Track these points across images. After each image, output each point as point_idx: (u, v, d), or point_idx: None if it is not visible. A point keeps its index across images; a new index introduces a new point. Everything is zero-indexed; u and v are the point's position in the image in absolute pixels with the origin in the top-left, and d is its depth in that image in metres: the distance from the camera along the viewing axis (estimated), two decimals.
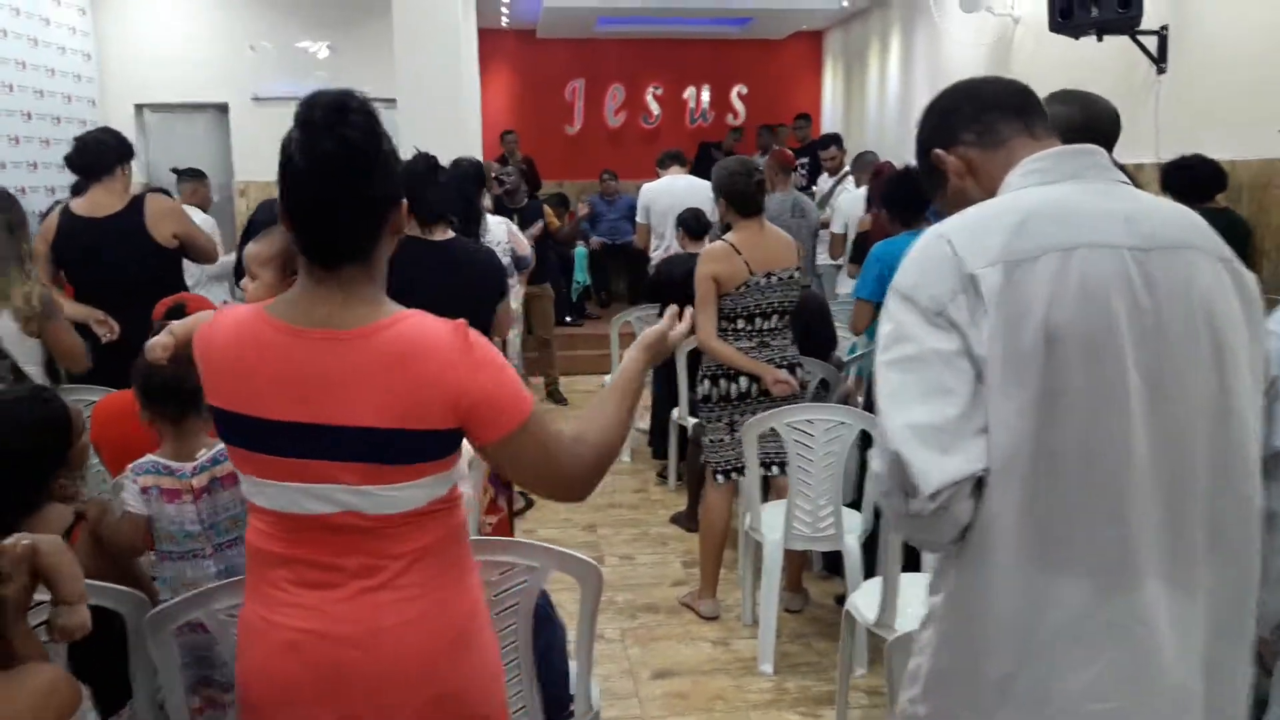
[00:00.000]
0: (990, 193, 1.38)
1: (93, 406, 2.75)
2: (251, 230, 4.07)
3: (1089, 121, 2.52)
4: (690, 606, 3.74)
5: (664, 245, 5.83)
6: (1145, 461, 1.23)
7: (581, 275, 8.98)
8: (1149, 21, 5.09)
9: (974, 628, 1.30)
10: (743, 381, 3.57)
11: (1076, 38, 5.25)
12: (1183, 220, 1.32)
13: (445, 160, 3.30)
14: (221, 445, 2.07)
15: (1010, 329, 1.23)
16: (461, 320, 1.42)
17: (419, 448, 1.41)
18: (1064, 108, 2.47)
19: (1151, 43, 5.36)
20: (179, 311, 2.64)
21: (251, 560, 1.54)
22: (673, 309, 1.73)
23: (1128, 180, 1.37)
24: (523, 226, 5.95)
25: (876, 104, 10.46)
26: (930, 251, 1.30)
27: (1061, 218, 1.27)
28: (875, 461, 1.31)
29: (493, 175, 6.43)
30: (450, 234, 3.10)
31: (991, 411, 1.24)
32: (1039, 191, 1.33)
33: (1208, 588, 1.27)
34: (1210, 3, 5.14)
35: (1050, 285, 1.23)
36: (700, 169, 6.67)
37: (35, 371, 3.14)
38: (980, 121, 1.43)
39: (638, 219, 6.04)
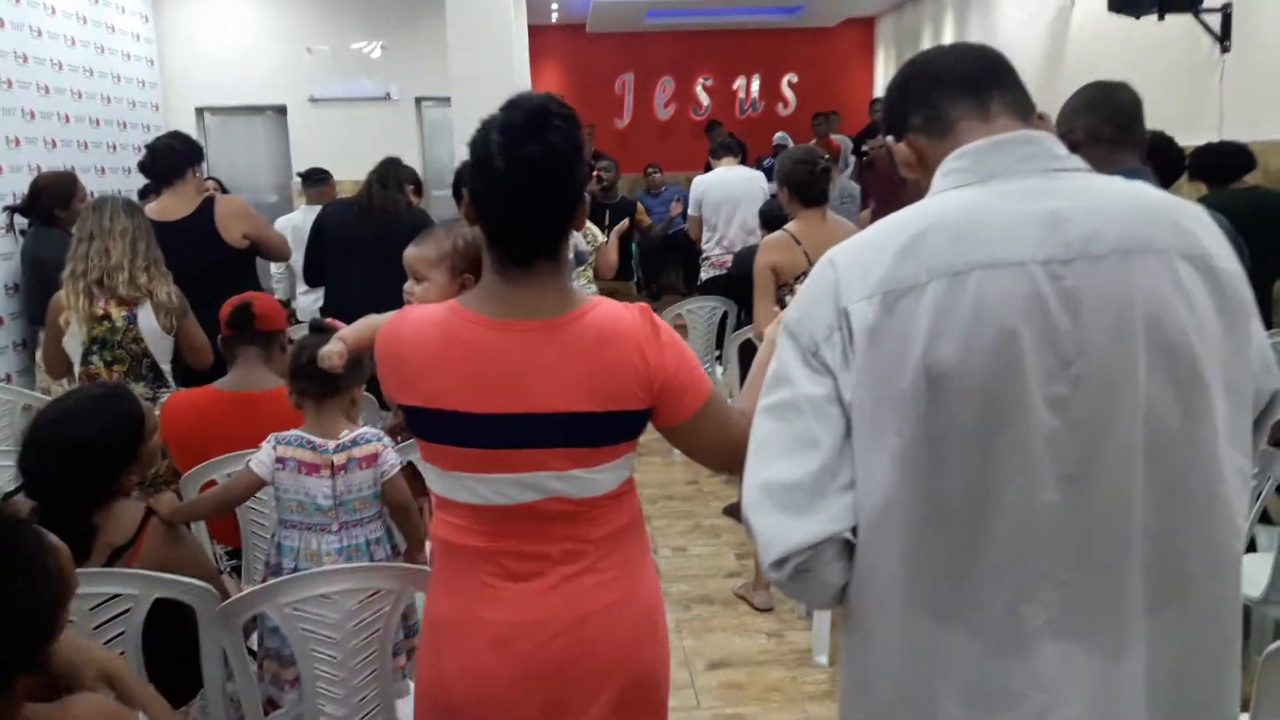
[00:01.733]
0: None
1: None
2: (322, 232, 4.12)
3: (1109, 94, 2.44)
4: (744, 598, 3.75)
5: (716, 237, 5.78)
6: (1055, 510, 1.07)
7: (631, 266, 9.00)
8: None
9: (867, 694, 1.20)
10: None
11: (1137, 17, 5.14)
12: (1139, 215, 1.11)
13: None
14: (364, 429, 2.27)
15: (883, 370, 1.09)
16: (645, 304, 1.50)
17: (619, 429, 1.46)
18: (1087, 90, 2.43)
19: (1214, 21, 5.22)
20: (245, 310, 2.73)
21: (444, 555, 1.55)
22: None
23: (1081, 167, 1.18)
24: (615, 221, 5.93)
25: None
26: (818, 280, 1.17)
27: (960, 232, 1.10)
28: None
29: (592, 171, 6.46)
30: None
31: (860, 463, 1.11)
32: (949, 199, 1.15)
33: (1155, 647, 1.11)
34: None
35: (934, 316, 1.07)
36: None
37: (168, 370, 3.28)
38: (928, 103, 1.23)
39: (689, 211, 6.00)
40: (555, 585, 1.48)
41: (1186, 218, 1.14)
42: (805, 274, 3.46)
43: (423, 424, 1.48)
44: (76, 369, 3.22)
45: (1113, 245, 1.08)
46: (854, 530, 1.13)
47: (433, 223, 4.19)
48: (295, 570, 2.20)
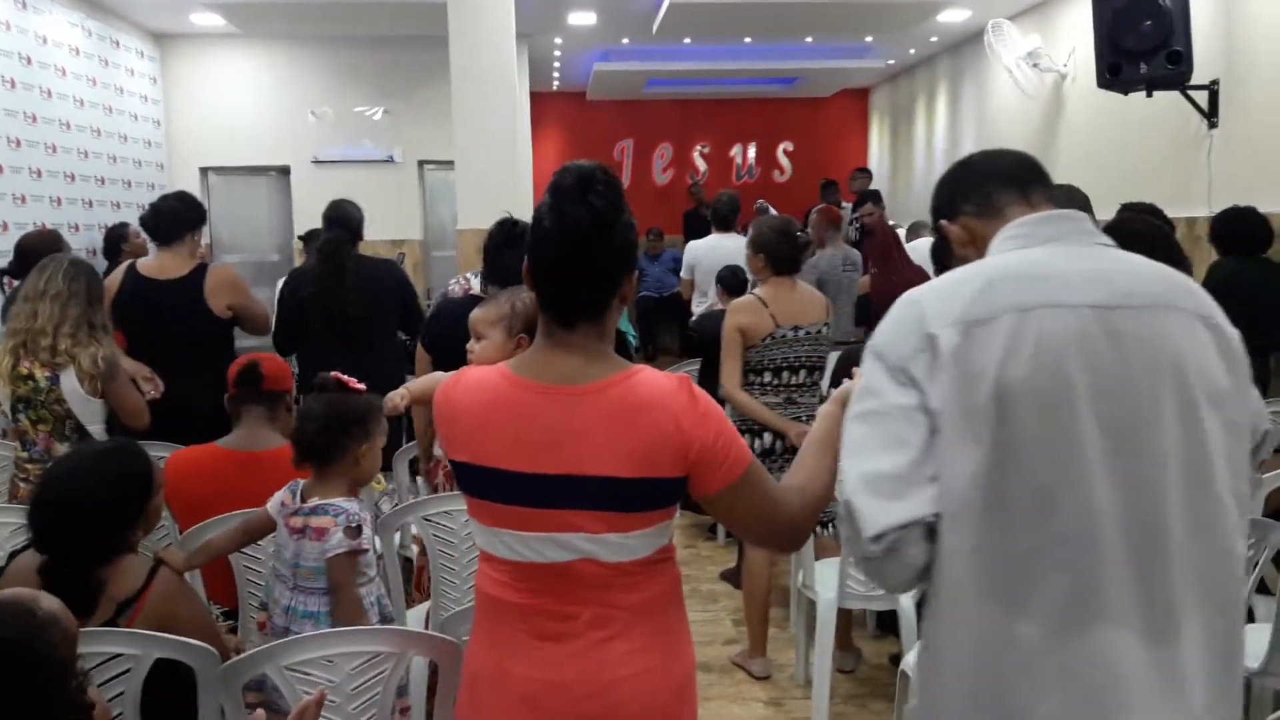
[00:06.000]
0: None
1: (162, 462, 2.85)
2: (286, 298, 4.14)
3: (1062, 198, 2.56)
4: (742, 666, 3.71)
5: (706, 303, 5.89)
6: (1109, 510, 1.27)
7: (626, 326, 9.07)
8: (1199, 76, 5.09)
9: (942, 672, 1.37)
10: (766, 437, 3.59)
11: (1125, 94, 5.26)
12: (1162, 280, 1.37)
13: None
14: (338, 501, 2.23)
15: (965, 385, 1.30)
16: (685, 374, 1.53)
17: (652, 495, 1.48)
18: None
19: (1202, 97, 5.36)
20: (253, 369, 2.74)
21: (485, 608, 1.60)
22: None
23: (1110, 243, 1.44)
24: None
25: (924, 158, 10.51)
26: (902, 314, 1.39)
27: (1026, 280, 1.34)
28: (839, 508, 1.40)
29: None
30: None
31: (944, 462, 1.31)
32: (1013, 255, 1.41)
33: (1197, 638, 1.29)
34: (1262, 56, 5.14)
35: (1005, 344, 1.29)
36: (692, 233, 6.62)
37: (98, 430, 3.25)
38: (979, 191, 1.51)
39: (682, 274, 6.14)
40: (584, 649, 1.50)
41: (1195, 287, 1.40)
42: (772, 335, 3.57)
43: (469, 479, 1.55)
44: (9, 423, 3.24)
45: (1146, 300, 1.33)
46: (937, 518, 1.32)
47: (396, 270, 4.28)
48: (265, 610, 2.30)
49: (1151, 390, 1.29)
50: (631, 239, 1.53)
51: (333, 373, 2.31)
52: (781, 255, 3.66)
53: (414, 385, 2.04)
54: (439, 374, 1.95)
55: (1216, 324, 1.36)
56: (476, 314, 2.22)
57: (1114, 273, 1.35)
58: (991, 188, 1.50)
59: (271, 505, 2.30)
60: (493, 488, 1.50)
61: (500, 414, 1.50)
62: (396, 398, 1.99)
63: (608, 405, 1.47)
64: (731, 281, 5.18)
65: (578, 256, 1.47)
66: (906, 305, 1.40)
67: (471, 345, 2.19)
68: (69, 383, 3.15)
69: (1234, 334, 1.38)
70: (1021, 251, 1.41)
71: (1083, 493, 1.27)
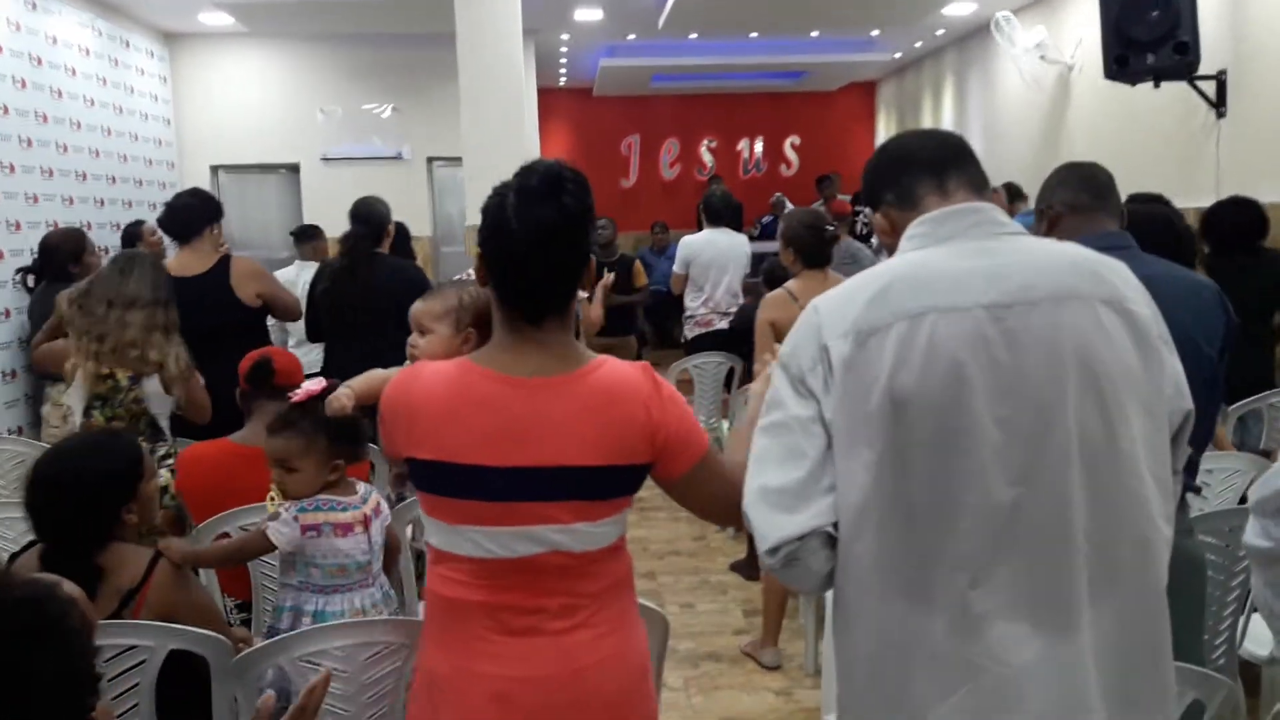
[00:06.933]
0: None
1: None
2: (315, 290, 4.18)
3: (1080, 169, 2.45)
4: (752, 655, 3.74)
5: (703, 298, 5.86)
6: (1008, 508, 1.26)
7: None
8: (1206, 66, 5.08)
9: (851, 670, 1.39)
10: None
11: (1133, 84, 5.25)
12: (1064, 269, 1.33)
13: None
14: (359, 483, 2.32)
15: (856, 395, 1.30)
16: (647, 363, 1.57)
17: (621, 483, 1.52)
18: (1059, 169, 2.40)
19: (1210, 88, 5.34)
20: (265, 365, 2.77)
21: (440, 610, 1.56)
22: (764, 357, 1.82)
23: (1020, 232, 1.41)
24: (616, 278, 6.00)
25: None
26: (805, 323, 1.40)
27: (919, 284, 1.32)
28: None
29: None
30: None
31: (840, 470, 1.32)
32: (910, 257, 1.39)
33: (1106, 627, 1.29)
34: (1269, 45, 5.12)
35: (896, 351, 1.28)
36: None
37: (166, 425, 3.29)
38: (899, 182, 1.48)
39: (675, 269, 6.02)
40: (552, 639, 1.50)
41: (1106, 270, 1.36)
42: None
43: (431, 477, 1.51)
44: (77, 421, 3.25)
45: (1044, 293, 1.30)
46: (835, 526, 1.33)
47: (413, 272, 4.28)
48: None
49: (1052, 385, 1.27)
50: (592, 231, 1.55)
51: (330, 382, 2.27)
52: (811, 248, 3.69)
53: (356, 383, 1.93)
54: (380, 371, 1.88)
55: (1126, 308, 1.33)
56: (419, 307, 2.10)
57: (1012, 267, 1.32)
58: (910, 177, 1.46)
59: (281, 536, 2.21)
60: (459, 484, 1.48)
61: (467, 409, 1.48)
62: (343, 398, 1.90)
63: (581, 396, 1.49)
64: (771, 275, 5.14)
65: (548, 257, 1.47)
66: (809, 313, 1.40)
67: (414, 339, 2.08)
68: (152, 385, 3.19)
69: (1146, 315, 1.35)
70: (918, 253, 1.39)
71: (980, 492, 1.27)
